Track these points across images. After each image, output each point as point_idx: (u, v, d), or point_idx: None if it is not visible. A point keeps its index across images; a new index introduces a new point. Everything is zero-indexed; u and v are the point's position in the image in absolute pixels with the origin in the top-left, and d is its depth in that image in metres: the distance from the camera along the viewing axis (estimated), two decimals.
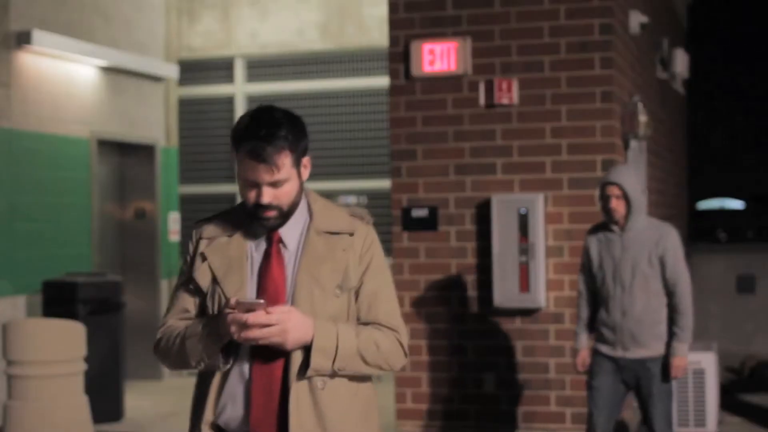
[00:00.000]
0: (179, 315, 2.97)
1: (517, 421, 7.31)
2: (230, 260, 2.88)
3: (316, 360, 2.75)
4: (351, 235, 2.89)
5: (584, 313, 5.85)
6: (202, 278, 2.91)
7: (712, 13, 28.70)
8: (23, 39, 8.71)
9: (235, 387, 2.81)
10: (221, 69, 11.51)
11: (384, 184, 10.40)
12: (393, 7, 7.52)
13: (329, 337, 2.78)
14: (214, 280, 2.88)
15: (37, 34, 8.75)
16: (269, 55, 11.38)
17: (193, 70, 11.50)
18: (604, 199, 5.57)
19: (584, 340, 5.85)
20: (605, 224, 5.70)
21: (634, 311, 5.56)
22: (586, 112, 7.16)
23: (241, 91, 11.54)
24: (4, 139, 8.63)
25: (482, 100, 7.33)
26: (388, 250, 7.72)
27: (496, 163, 7.31)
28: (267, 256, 2.87)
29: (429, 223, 7.42)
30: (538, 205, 7.12)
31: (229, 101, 11.47)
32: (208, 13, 11.42)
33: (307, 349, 2.76)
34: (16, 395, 6.68)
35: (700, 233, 20.17)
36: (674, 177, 11.65)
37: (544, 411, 7.27)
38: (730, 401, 8.98)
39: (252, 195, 2.80)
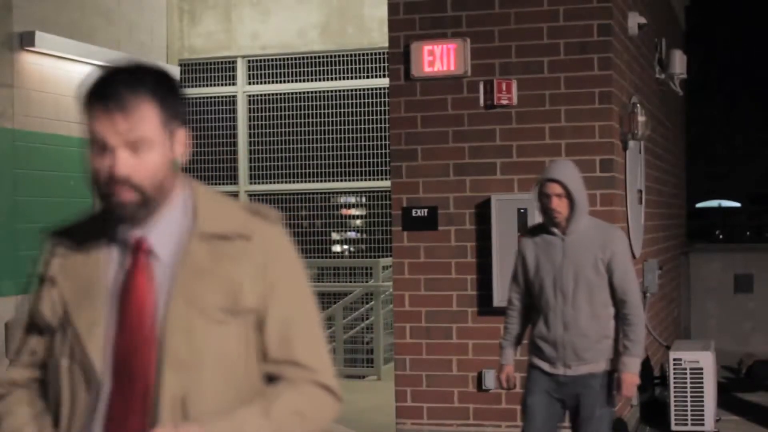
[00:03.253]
0: (27, 357, 2.19)
1: (518, 420, 7.36)
2: (85, 284, 2.10)
3: None
4: (247, 239, 2.10)
5: (513, 325, 5.25)
6: (50, 310, 2.12)
7: (710, 13, 28.74)
8: (26, 40, 8.77)
9: None
10: (223, 70, 11.56)
11: (384, 184, 10.45)
12: (393, 9, 7.57)
13: None
14: (66, 314, 2.10)
15: (40, 36, 8.80)
16: (270, 55, 11.43)
17: (194, 71, 11.55)
18: (544, 198, 4.96)
19: (510, 356, 5.30)
20: (542, 226, 5.10)
21: (578, 324, 4.93)
22: (584, 112, 7.21)
23: (243, 92, 11.59)
24: (6, 139, 8.69)
25: (482, 101, 7.38)
26: (389, 249, 7.78)
27: (495, 163, 7.36)
28: (130, 273, 2.08)
29: (429, 223, 7.47)
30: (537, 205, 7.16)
31: (230, 102, 11.52)
32: (210, 14, 11.47)
33: None
34: None
35: (698, 233, 20.21)
36: (673, 177, 11.71)
37: None
38: (727, 400, 9.03)
39: (103, 165, 2.02)
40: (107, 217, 2.11)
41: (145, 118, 2.01)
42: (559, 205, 4.92)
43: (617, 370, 4.96)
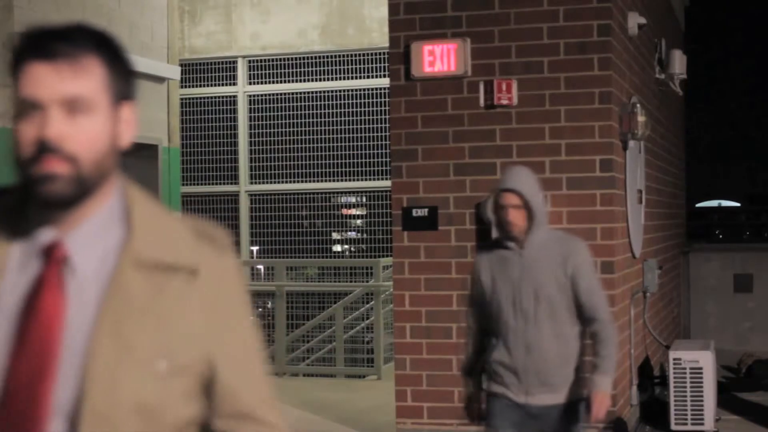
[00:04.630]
0: None
1: None
2: None
3: None
4: (193, 273, 1.70)
5: (474, 352, 4.76)
6: None
7: (709, 14, 28.77)
8: None
9: None
10: (223, 70, 11.59)
11: (384, 184, 10.47)
12: (393, 9, 7.58)
13: None
14: None
15: None
16: (270, 55, 11.45)
17: (195, 71, 11.58)
18: (499, 210, 4.49)
19: (476, 385, 4.80)
20: (497, 241, 4.66)
21: (541, 346, 4.47)
22: (584, 112, 7.23)
23: (243, 92, 11.61)
24: (7, 139, 8.71)
25: (482, 101, 7.39)
26: (389, 249, 7.79)
27: (495, 163, 7.38)
28: (38, 285, 1.64)
29: (429, 223, 7.48)
30: None
31: (231, 101, 11.54)
32: (210, 14, 11.50)
33: None
34: None
35: (698, 233, 20.24)
36: (673, 177, 11.72)
37: None
38: (727, 400, 9.04)
39: (30, 131, 1.63)
40: (21, 204, 1.68)
41: (87, 73, 1.64)
42: (516, 217, 4.45)
43: (588, 390, 4.49)
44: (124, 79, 1.73)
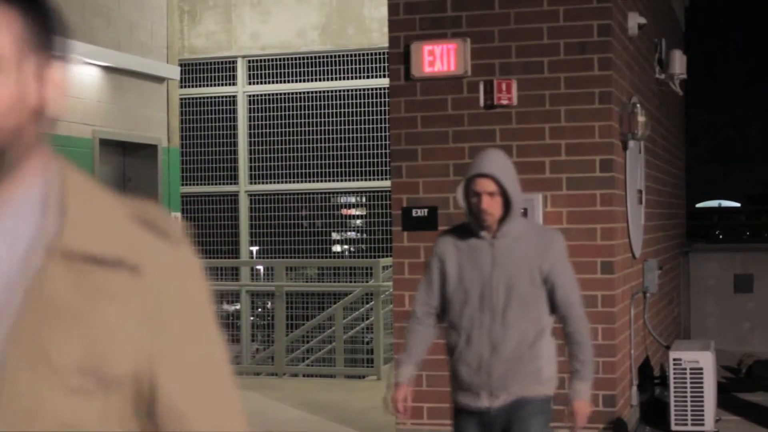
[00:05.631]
0: None
1: None
2: None
3: None
4: (134, 269, 1.38)
5: (417, 343, 4.47)
6: None
7: (709, 14, 28.79)
8: None
9: None
10: (223, 70, 11.59)
11: (384, 184, 10.47)
12: (393, 9, 7.58)
13: None
14: None
15: None
16: (270, 55, 11.46)
17: (194, 71, 11.58)
18: (473, 197, 4.09)
19: (407, 374, 4.43)
20: (466, 227, 4.22)
21: (507, 345, 4.11)
22: (584, 112, 7.22)
23: (243, 92, 11.62)
24: None
25: (482, 101, 7.39)
26: (389, 249, 7.78)
27: None
28: None
29: (429, 223, 7.48)
30: (537, 205, 7.18)
31: (230, 102, 11.55)
32: (210, 14, 11.50)
33: None
34: None
35: (698, 233, 20.26)
36: (673, 177, 11.72)
37: None
38: (727, 400, 9.03)
39: None
40: None
41: None
42: (491, 205, 4.06)
43: (568, 397, 4.24)
44: (46, 31, 1.40)
